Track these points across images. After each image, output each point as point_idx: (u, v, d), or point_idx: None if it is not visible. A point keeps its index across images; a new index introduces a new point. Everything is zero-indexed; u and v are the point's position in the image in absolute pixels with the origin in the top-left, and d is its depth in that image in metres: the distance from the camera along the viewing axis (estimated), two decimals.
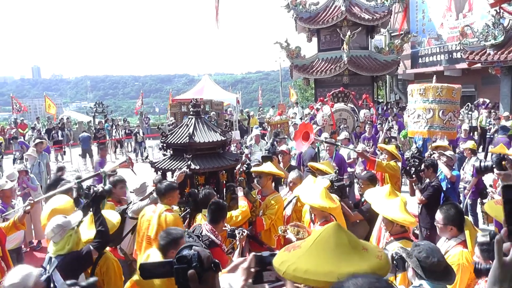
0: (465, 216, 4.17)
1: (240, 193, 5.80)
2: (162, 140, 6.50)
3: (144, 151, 21.25)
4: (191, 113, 6.63)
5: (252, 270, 2.56)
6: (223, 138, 6.45)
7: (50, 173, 13.54)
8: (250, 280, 2.44)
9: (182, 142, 6.17)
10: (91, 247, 4.05)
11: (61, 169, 9.88)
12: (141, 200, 5.72)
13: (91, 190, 4.46)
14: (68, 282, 3.29)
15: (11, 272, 3.27)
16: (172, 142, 6.33)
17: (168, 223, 4.90)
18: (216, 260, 1.91)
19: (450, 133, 8.72)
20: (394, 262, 3.14)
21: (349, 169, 10.20)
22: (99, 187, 4.53)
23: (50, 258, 3.97)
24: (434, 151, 8.43)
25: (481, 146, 17.33)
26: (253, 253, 2.73)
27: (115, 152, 22.66)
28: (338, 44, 24.58)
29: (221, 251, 4.45)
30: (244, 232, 4.63)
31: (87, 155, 19.32)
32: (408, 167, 6.86)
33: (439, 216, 4.06)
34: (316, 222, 4.95)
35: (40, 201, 8.90)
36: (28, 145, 12.99)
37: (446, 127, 8.51)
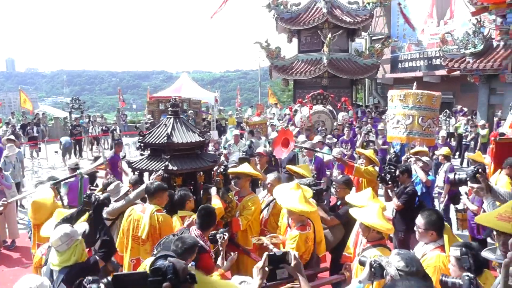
0: (444, 222, 4.19)
1: (213, 191, 5.75)
2: (139, 140, 6.39)
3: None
4: (169, 112, 6.54)
5: (267, 269, 2.58)
6: (201, 139, 6.39)
7: (24, 170, 13.29)
8: None
9: (160, 142, 6.09)
10: (98, 257, 3.99)
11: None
12: (115, 201, 5.61)
13: (92, 198, 4.32)
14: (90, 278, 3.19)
15: (21, 283, 3.07)
16: (149, 142, 6.23)
17: (161, 223, 4.92)
18: (192, 272, 1.85)
19: (429, 140, 8.79)
20: (372, 269, 3.13)
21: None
22: (100, 195, 4.42)
23: (51, 270, 3.78)
24: (411, 156, 8.49)
25: (458, 153, 17.59)
26: (266, 252, 2.77)
27: (91, 149, 22.33)
28: (319, 46, 24.69)
29: (210, 257, 4.44)
30: (225, 235, 4.65)
31: (67, 154, 19.02)
32: (383, 174, 6.88)
33: (420, 221, 4.07)
34: (293, 227, 4.90)
35: (14, 201, 8.81)
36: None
37: (425, 134, 8.58)
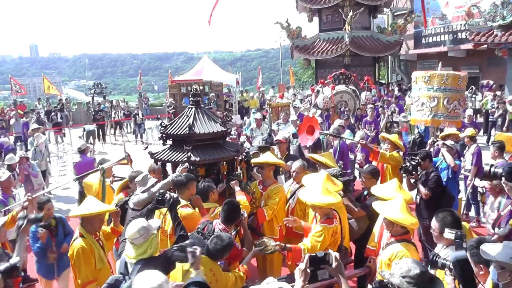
0: (463, 223, 4.00)
1: (236, 188, 5.72)
2: (161, 131, 6.40)
3: (144, 132, 21.14)
4: (190, 102, 6.52)
5: (308, 270, 2.56)
6: (223, 129, 6.35)
7: (50, 156, 13.57)
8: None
9: (182, 133, 6.08)
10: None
11: None
12: (143, 192, 5.63)
13: (167, 196, 4.38)
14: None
15: (143, 279, 2.98)
16: (171, 132, 6.23)
17: (185, 219, 4.88)
18: None
19: (454, 122, 8.57)
20: None
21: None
22: (173, 194, 4.48)
23: (125, 262, 3.83)
24: (437, 139, 8.31)
25: (485, 130, 17.12)
26: (308, 254, 2.75)
27: (114, 134, 22.55)
28: (340, 24, 24.28)
29: (236, 248, 4.48)
30: (244, 213, 4.87)
31: (91, 137, 19.28)
32: (405, 165, 6.71)
33: (435, 224, 3.92)
34: (318, 221, 4.83)
35: (40, 189, 9.07)
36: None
37: (451, 116, 8.34)
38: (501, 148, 7.30)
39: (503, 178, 4.08)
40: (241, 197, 5.48)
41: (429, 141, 8.61)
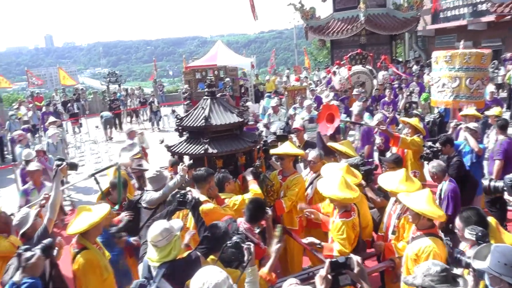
0: (489, 219, 3.78)
1: (249, 177, 5.59)
2: (177, 123, 6.31)
3: (160, 120, 21.13)
4: (206, 93, 6.39)
5: (330, 277, 2.55)
6: (240, 119, 6.22)
7: (67, 148, 13.61)
8: None
9: (198, 125, 5.99)
10: (199, 253, 3.90)
11: None
12: (156, 190, 5.53)
13: (188, 197, 4.31)
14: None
15: (205, 275, 2.86)
16: (187, 125, 6.13)
17: (206, 213, 4.75)
18: None
19: (477, 102, 8.28)
20: None
21: None
22: (196, 194, 4.39)
23: (149, 266, 3.75)
24: (459, 122, 8.05)
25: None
26: (328, 259, 2.64)
27: (130, 122, 22.58)
28: (354, 3, 23.76)
29: (259, 248, 4.36)
30: (268, 211, 4.69)
31: (108, 126, 19.32)
32: (425, 153, 6.49)
33: (459, 224, 3.76)
34: (336, 214, 4.71)
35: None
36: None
37: (473, 96, 8.07)
38: (502, 126, 7.16)
39: (505, 193, 3.79)
40: (253, 186, 5.39)
41: (452, 124, 8.34)
